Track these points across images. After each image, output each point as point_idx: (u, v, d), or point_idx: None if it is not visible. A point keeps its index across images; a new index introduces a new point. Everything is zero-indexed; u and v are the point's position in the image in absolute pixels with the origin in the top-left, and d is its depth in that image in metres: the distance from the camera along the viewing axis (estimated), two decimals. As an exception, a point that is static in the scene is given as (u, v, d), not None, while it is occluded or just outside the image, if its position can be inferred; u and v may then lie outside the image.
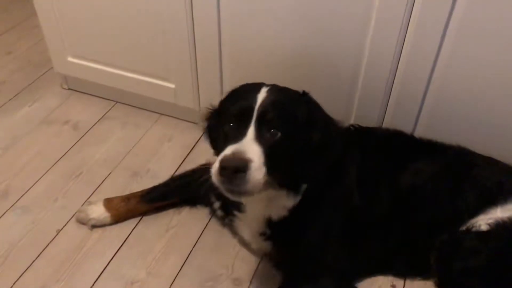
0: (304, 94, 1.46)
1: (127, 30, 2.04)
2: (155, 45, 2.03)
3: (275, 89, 1.42)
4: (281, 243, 1.60)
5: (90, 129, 2.26)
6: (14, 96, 2.43)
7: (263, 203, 1.49)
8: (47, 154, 2.11)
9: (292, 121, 1.37)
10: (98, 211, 1.81)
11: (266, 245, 1.63)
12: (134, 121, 2.31)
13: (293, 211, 1.51)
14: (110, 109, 2.37)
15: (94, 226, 1.81)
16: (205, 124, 1.55)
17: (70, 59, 2.27)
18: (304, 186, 1.49)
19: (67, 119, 2.30)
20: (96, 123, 2.29)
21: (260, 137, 1.31)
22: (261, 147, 1.29)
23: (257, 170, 1.25)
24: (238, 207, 1.60)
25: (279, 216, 1.52)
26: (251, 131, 1.31)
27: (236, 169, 1.23)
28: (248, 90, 1.42)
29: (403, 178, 1.60)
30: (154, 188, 1.88)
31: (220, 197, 1.74)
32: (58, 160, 2.09)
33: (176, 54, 2.01)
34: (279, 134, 1.33)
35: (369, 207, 1.58)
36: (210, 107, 1.53)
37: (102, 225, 1.82)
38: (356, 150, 1.61)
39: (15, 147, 2.15)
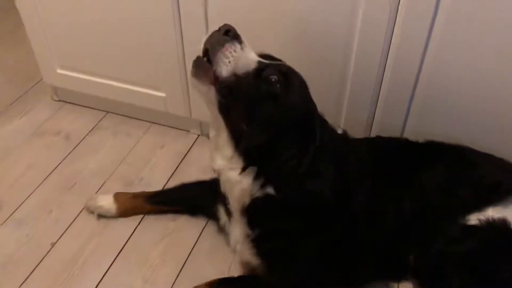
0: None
1: (115, 40, 2.05)
2: (143, 54, 2.04)
3: None
4: (263, 252, 1.54)
5: (82, 140, 2.25)
6: (4, 109, 2.42)
7: (237, 187, 1.39)
8: (40, 166, 2.11)
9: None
10: (107, 200, 1.87)
11: (250, 253, 1.58)
12: (125, 130, 2.31)
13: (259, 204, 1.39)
14: (101, 119, 2.37)
15: (100, 216, 1.87)
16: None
17: (59, 70, 2.27)
18: (275, 173, 1.33)
19: (58, 131, 2.30)
20: (87, 133, 2.29)
21: None
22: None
23: (247, 53, 1.23)
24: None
25: (249, 202, 1.41)
26: None
27: (227, 32, 1.21)
28: None
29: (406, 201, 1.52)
30: (162, 192, 1.94)
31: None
32: (51, 172, 2.08)
33: (165, 62, 2.02)
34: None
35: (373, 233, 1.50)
36: None
37: (107, 216, 1.87)
38: (368, 175, 1.50)
39: (7, 160, 2.14)
